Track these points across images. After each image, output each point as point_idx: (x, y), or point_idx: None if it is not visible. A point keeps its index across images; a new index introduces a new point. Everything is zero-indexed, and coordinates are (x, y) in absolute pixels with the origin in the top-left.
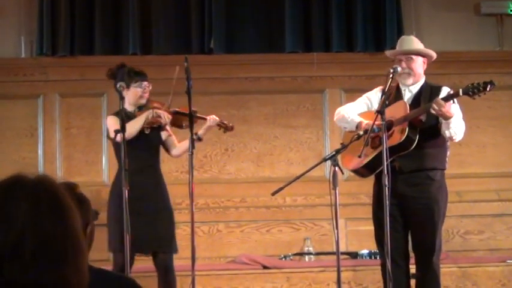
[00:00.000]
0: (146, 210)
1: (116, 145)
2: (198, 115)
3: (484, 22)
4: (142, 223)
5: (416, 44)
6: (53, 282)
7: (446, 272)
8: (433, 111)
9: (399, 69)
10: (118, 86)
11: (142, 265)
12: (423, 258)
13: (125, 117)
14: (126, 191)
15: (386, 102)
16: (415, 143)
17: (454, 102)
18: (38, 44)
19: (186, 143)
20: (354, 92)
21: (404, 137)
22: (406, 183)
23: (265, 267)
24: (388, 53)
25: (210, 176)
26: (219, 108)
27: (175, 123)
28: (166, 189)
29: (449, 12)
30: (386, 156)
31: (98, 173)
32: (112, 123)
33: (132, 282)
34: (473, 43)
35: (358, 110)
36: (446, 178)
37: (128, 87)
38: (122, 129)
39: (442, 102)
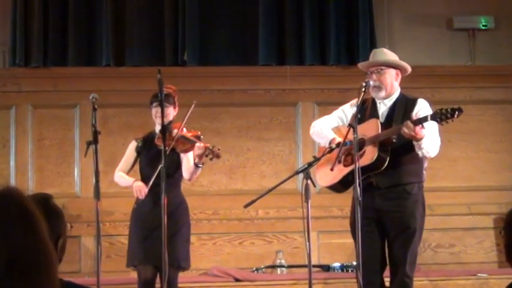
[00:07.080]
0: (158, 228)
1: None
2: (191, 138)
3: (456, 37)
4: (154, 239)
5: (387, 55)
6: None
7: (418, 285)
8: (403, 134)
9: (371, 82)
10: (91, 97)
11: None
12: (395, 270)
13: (150, 136)
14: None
15: (359, 116)
16: (386, 163)
17: (422, 126)
18: (10, 55)
19: (191, 167)
20: (327, 105)
21: (375, 157)
22: (383, 198)
23: (237, 280)
24: (360, 65)
25: (182, 188)
26: (192, 120)
27: (178, 147)
28: (183, 208)
29: (421, 26)
30: (358, 171)
31: (70, 184)
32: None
33: None
34: (446, 58)
35: (332, 124)
36: None
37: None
38: (94, 140)
39: (412, 125)
